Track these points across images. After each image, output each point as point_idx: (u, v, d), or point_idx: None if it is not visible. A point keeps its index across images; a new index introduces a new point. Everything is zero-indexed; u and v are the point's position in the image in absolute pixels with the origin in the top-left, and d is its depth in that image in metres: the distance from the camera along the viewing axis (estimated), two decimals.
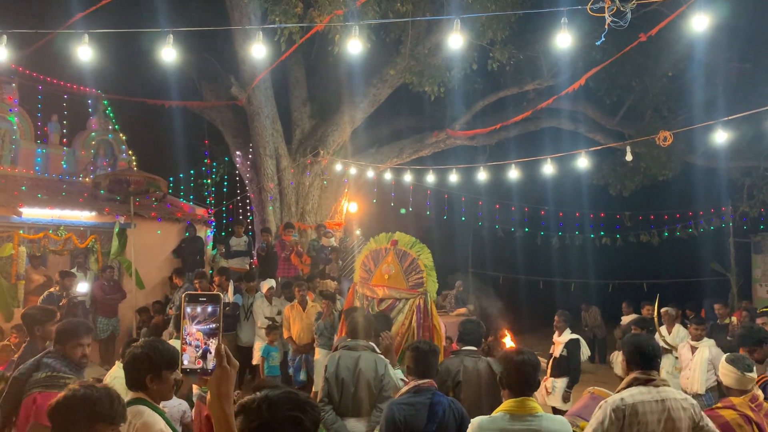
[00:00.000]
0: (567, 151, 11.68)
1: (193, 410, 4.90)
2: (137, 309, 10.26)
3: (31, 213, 10.01)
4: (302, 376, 8.67)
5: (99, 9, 7.81)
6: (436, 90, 12.09)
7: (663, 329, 8.45)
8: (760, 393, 4.02)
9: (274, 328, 8.83)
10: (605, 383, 7.38)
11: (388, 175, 13.63)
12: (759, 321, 7.42)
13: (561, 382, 7.48)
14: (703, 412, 3.40)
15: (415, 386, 3.86)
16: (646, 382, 3.36)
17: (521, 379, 3.26)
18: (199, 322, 1.81)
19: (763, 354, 5.03)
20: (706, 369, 7.03)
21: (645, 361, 3.43)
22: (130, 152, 12.94)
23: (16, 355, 5.05)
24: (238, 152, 13.83)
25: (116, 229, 10.55)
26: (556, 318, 7.86)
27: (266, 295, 9.42)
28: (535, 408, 3.21)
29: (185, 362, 1.80)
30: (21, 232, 9.79)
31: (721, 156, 13.59)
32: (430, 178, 13.42)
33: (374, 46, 10.87)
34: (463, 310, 12.75)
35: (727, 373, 4.03)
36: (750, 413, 3.78)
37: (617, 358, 9.00)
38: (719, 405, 3.99)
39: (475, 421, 3.26)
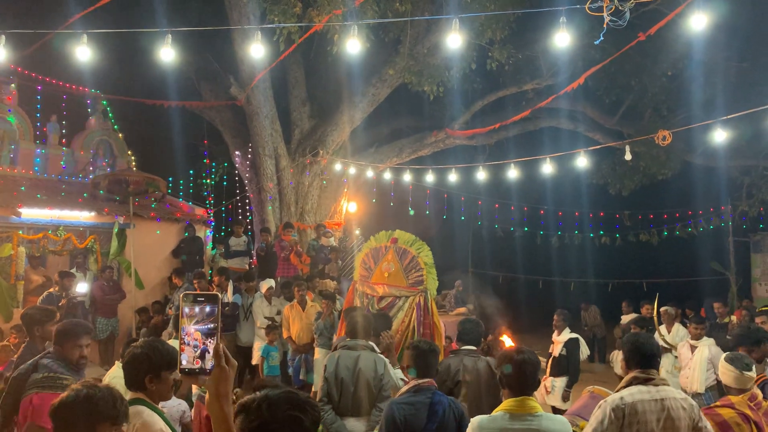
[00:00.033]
0: (566, 150, 11.68)
1: (193, 410, 4.90)
2: (137, 309, 10.26)
3: (30, 213, 10.01)
4: (302, 376, 8.67)
5: (98, 9, 7.80)
6: (435, 90, 12.09)
7: (662, 328, 8.45)
8: (759, 392, 4.02)
9: (273, 327, 8.83)
10: (605, 382, 7.40)
11: (387, 175, 13.63)
12: (758, 320, 7.42)
13: (560, 382, 7.49)
14: (701, 413, 3.40)
15: (415, 385, 3.86)
16: (646, 381, 3.36)
17: (521, 378, 3.25)
18: (197, 322, 1.80)
19: (761, 353, 5.03)
20: (705, 368, 7.03)
21: (644, 360, 3.43)
22: (129, 152, 12.94)
23: (15, 356, 5.04)
24: (237, 152, 13.82)
25: (115, 230, 10.55)
26: (555, 317, 7.87)
27: (265, 295, 9.42)
28: (535, 407, 3.20)
29: (183, 362, 1.80)
30: (20, 232, 9.79)
31: (720, 155, 13.60)
32: (430, 177, 13.42)
33: (373, 46, 10.87)
34: (462, 309, 12.76)
35: (726, 372, 4.03)
36: (748, 412, 3.78)
37: (617, 358, 9.02)
38: (718, 404, 3.99)
39: (474, 421, 3.26)
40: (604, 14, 6.01)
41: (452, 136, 14.45)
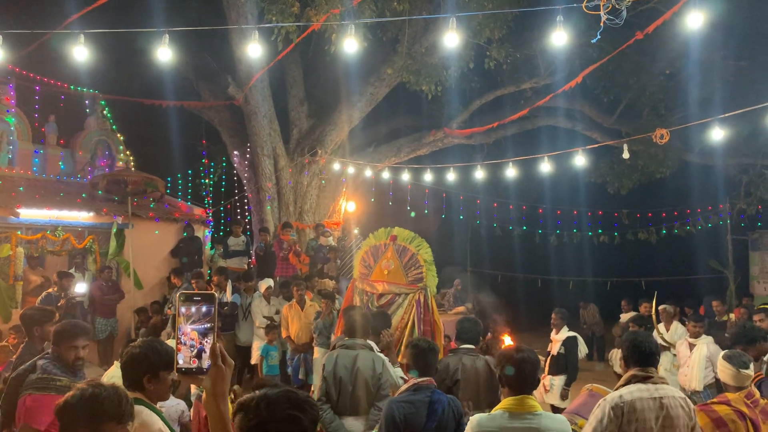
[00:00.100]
0: (564, 149, 11.69)
1: (192, 410, 4.90)
2: (135, 309, 10.26)
3: (28, 214, 9.99)
4: (301, 376, 8.67)
5: (96, 9, 7.79)
6: (433, 89, 12.10)
7: (661, 327, 8.46)
8: (756, 390, 4.03)
9: (273, 327, 8.83)
10: (604, 381, 7.39)
11: (385, 175, 13.63)
12: (756, 318, 7.42)
13: (559, 380, 7.50)
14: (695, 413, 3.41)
15: (415, 384, 3.86)
16: (645, 380, 3.37)
17: (521, 377, 3.25)
18: (194, 322, 1.81)
19: (757, 352, 5.04)
20: (704, 366, 7.05)
21: (643, 358, 3.43)
22: (127, 152, 12.92)
23: (14, 356, 5.04)
24: (235, 152, 13.82)
25: (114, 230, 10.55)
26: (553, 316, 7.88)
27: (264, 295, 9.42)
28: (535, 406, 3.20)
29: (180, 362, 1.80)
30: (18, 232, 9.77)
31: (718, 153, 13.61)
32: (428, 177, 13.43)
33: (371, 45, 10.87)
34: (461, 308, 12.79)
35: (723, 370, 4.05)
36: (744, 409, 3.79)
37: (616, 356, 9.02)
38: (714, 400, 4.01)
39: (474, 419, 3.26)
40: (601, 13, 6.02)
41: (450, 135, 14.45)
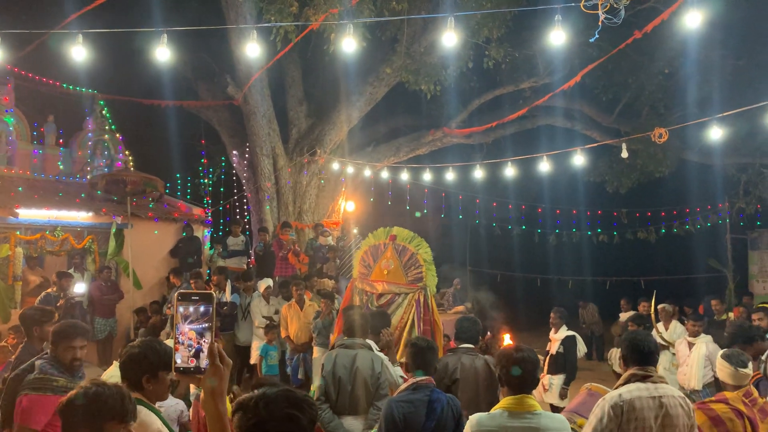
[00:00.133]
0: (563, 148, 11.70)
1: (191, 410, 4.90)
2: (135, 309, 10.26)
3: (27, 214, 9.99)
4: (300, 375, 8.67)
5: (95, 9, 7.77)
6: (432, 88, 12.09)
7: (660, 326, 8.47)
8: (754, 389, 4.04)
9: (272, 327, 8.83)
10: (603, 380, 7.39)
11: (385, 174, 13.64)
12: (755, 317, 7.44)
13: (558, 379, 7.51)
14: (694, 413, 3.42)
15: (414, 383, 3.87)
16: (644, 379, 3.37)
17: (520, 376, 3.25)
18: (191, 321, 1.81)
19: (755, 351, 5.05)
20: (703, 365, 7.06)
21: (643, 357, 3.44)
22: (126, 152, 12.92)
23: (13, 357, 5.04)
24: (234, 152, 13.82)
25: (113, 230, 10.54)
26: (551, 315, 7.90)
27: (263, 295, 9.41)
28: (534, 406, 3.20)
29: (178, 361, 1.80)
30: (17, 233, 9.76)
31: (717, 152, 13.61)
32: (427, 176, 13.44)
33: (370, 45, 10.87)
34: (460, 308, 12.79)
35: (722, 369, 4.06)
36: (742, 408, 3.79)
37: (615, 355, 9.03)
38: (712, 399, 4.01)
39: (473, 418, 3.26)
40: (599, 12, 6.02)
41: (449, 134, 14.45)
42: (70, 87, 12.18)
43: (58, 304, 8.34)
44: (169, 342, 3.58)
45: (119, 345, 9.42)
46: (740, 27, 12.05)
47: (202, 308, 1.81)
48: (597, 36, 6.72)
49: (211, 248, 12.40)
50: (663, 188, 17.00)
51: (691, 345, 7.33)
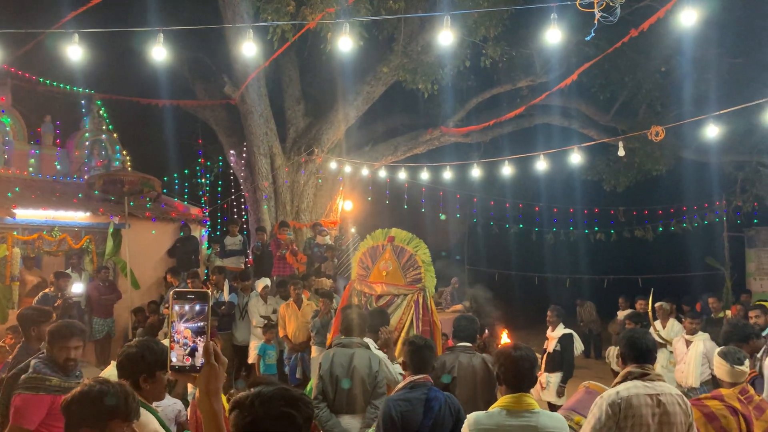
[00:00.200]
0: (560, 147, 11.71)
1: (189, 409, 4.90)
2: (133, 309, 10.26)
3: (24, 214, 9.97)
4: (298, 375, 8.68)
5: (91, 9, 7.76)
6: (429, 87, 12.08)
7: (657, 324, 8.48)
8: (750, 387, 4.05)
9: (270, 326, 8.83)
10: (600, 378, 7.40)
11: (382, 173, 13.64)
12: (752, 314, 7.44)
13: (555, 377, 7.53)
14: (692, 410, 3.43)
15: (411, 382, 3.87)
16: (642, 377, 3.38)
17: (518, 375, 3.26)
18: (187, 320, 1.81)
19: (751, 349, 5.06)
20: (700, 363, 7.06)
21: (640, 355, 3.45)
22: (124, 152, 12.90)
23: (10, 357, 5.04)
24: (232, 151, 13.81)
25: (111, 230, 10.52)
26: (548, 313, 7.91)
27: (261, 294, 9.41)
28: (532, 404, 3.20)
29: (173, 360, 1.80)
30: (15, 233, 9.75)
31: (713, 150, 13.63)
32: (425, 175, 13.44)
33: (367, 44, 10.86)
34: (459, 306, 12.81)
35: (718, 366, 4.07)
36: (737, 405, 3.81)
37: (613, 353, 9.05)
38: (708, 395, 4.03)
39: (471, 417, 3.26)
40: (595, 10, 6.02)
41: (447, 133, 14.45)
42: (67, 87, 12.16)
43: (56, 305, 8.34)
44: (167, 342, 3.58)
45: (117, 345, 9.41)
46: (736, 25, 12.07)
47: (197, 307, 1.81)
48: (593, 34, 6.72)
49: (208, 248, 12.39)
50: (660, 186, 17.01)
51: (688, 343, 7.34)
